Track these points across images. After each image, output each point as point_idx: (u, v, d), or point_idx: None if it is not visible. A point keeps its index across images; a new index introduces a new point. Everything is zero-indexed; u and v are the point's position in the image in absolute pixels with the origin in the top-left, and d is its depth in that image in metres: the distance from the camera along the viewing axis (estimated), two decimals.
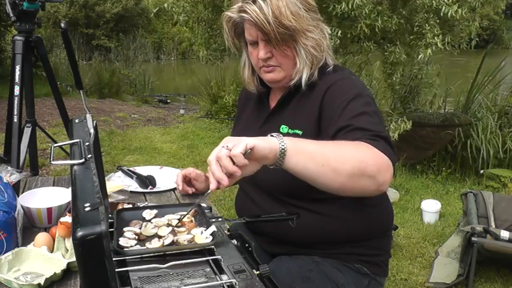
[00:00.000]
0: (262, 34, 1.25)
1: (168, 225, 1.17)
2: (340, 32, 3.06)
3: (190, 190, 1.62)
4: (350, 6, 2.94)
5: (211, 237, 1.09)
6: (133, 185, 1.75)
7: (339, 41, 3.12)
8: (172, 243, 1.09)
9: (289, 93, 1.36)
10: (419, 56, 3.20)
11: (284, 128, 1.34)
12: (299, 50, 1.27)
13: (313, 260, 1.36)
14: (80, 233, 0.69)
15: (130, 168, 1.87)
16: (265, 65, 1.31)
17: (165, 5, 3.48)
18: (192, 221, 1.20)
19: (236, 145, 0.97)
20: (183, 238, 1.10)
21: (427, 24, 3.16)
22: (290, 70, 1.31)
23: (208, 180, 1.60)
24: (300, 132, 1.30)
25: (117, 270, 0.96)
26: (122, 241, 1.07)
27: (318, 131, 1.27)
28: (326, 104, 1.26)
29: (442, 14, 3.02)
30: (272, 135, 1.03)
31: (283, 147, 1.00)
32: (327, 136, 1.20)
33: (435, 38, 3.09)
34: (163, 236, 1.11)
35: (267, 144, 1.00)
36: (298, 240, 1.35)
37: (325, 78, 1.31)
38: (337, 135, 1.17)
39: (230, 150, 0.97)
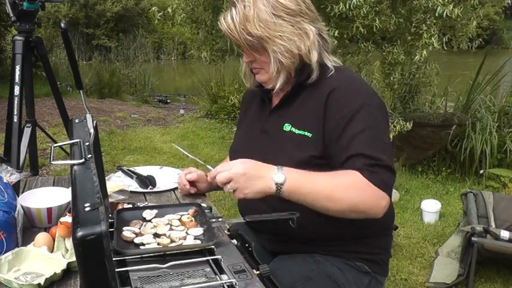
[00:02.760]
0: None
1: (168, 225, 1.17)
2: (337, 32, 3.06)
3: (192, 190, 1.62)
4: (348, 7, 2.94)
5: (198, 241, 1.09)
6: (134, 185, 1.75)
7: (336, 41, 3.11)
8: (171, 242, 1.09)
9: (292, 92, 1.37)
10: (416, 57, 3.20)
11: (287, 126, 1.35)
12: (270, 58, 1.29)
13: (314, 259, 1.36)
14: (80, 233, 0.69)
15: (130, 168, 1.87)
16: (251, 67, 1.37)
17: (169, 9, 3.47)
18: (192, 220, 1.20)
19: (238, 192, 1.18)
20: (175, 234, 1.10)
21: (424, 25, 3.16)
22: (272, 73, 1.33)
23: (210, 179, 1.62)
24: (309, 134, 1.30)
25: (117, 270, 0.96)
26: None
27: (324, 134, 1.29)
28: (330, 110, 1.27)
29: (437, 14, 3.02)
30: (273, 179, 1.16)
31: (279, 190, 1.17)
32: (330, 144, 1.26)
33: (432, 38, 3.10)
34: (162, 235, 1.12)
35: (263, 193, 1.18)
36: (300, 236, 1.35)
37: (327, 79, 1.31)
38: (338, 157, 1.24)
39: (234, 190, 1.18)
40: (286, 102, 1.39)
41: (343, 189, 1.18)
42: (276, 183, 1.16)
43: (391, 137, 3.43)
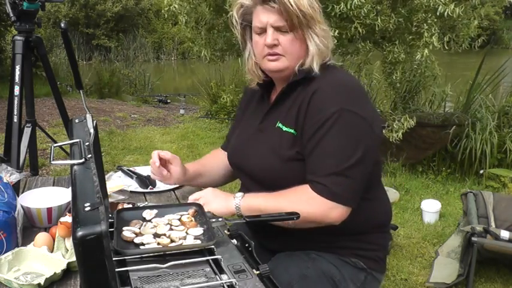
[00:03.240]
0: (276, 19, 1.28)
1: (168, 225, 1.17)
2: (337, 32, 3.06)
3: (164, 171, 1.54)
4: (348, 7, 2.94)
5: (198, 241, 1.09)
6: (134, 185, 1.75)
7: (336, 41, 3.11)
8: (171, 242, 1.09)
9: (287, 89, 1.37)
10: (417, 56, 3.21)
11: (278, 124, 1.37)
12: (312, 37, 1.30)
13: (310, 257, 1.37)
14: (80, 233, 0.69)
15: (130, 168, 1.87)
16: (271, 52, 1.33)
17: (175, 5, 3.45)
18: (192, 220, 1.19)
19: (207, 205, 1.30)
20: (175, 234, 1.10)
21: (425, 24, 3.16)
22: (293, 61, 1.33)
23: (183, 166, 1.58)
24: (295, 132, 1.32)
25: (117, 270, 0.96)
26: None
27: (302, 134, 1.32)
28: (309, 111, 1.29)
29: (438, 14, 3.03)
30: (236, 202, 1.33)
31: (238, 212, 1.34)
32: (303, 146, 1.30)
33: (432, 37, 3.10)
34: (162, 235, 1.11)
35: (227, 206, 1.34)
36: (297, 233, 1.35)
37: (316, 78, 1.32)
38: (305, 162, 1.31)
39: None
40: (282, 99, 1.39)
41: (289, 205, 1.25)
42: (235, 197, 1.33)
43: (400, 135, 3.43)
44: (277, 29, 1.29)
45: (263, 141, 1.40)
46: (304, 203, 1.26)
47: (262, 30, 1.32)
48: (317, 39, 1.30)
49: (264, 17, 1.30)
